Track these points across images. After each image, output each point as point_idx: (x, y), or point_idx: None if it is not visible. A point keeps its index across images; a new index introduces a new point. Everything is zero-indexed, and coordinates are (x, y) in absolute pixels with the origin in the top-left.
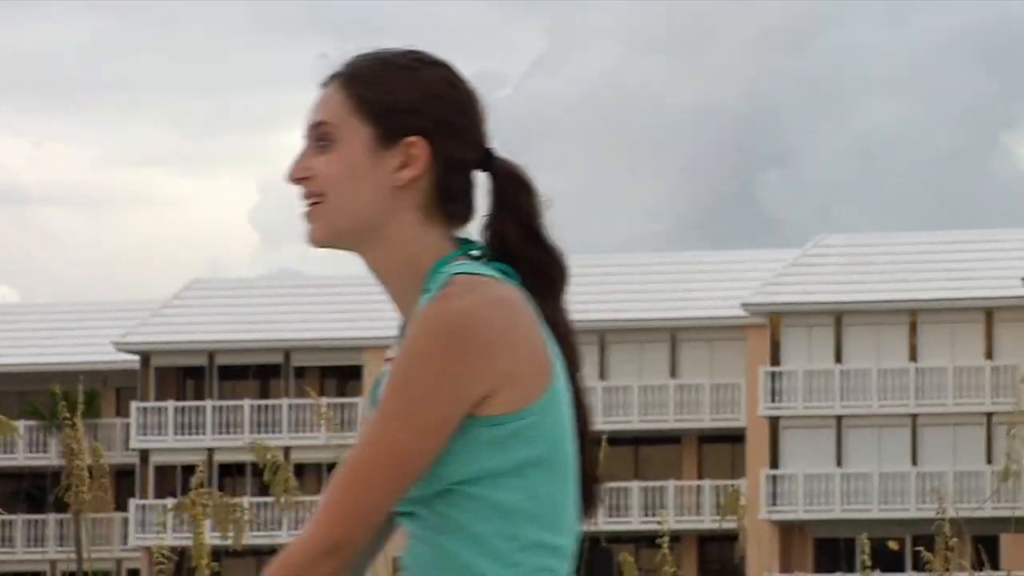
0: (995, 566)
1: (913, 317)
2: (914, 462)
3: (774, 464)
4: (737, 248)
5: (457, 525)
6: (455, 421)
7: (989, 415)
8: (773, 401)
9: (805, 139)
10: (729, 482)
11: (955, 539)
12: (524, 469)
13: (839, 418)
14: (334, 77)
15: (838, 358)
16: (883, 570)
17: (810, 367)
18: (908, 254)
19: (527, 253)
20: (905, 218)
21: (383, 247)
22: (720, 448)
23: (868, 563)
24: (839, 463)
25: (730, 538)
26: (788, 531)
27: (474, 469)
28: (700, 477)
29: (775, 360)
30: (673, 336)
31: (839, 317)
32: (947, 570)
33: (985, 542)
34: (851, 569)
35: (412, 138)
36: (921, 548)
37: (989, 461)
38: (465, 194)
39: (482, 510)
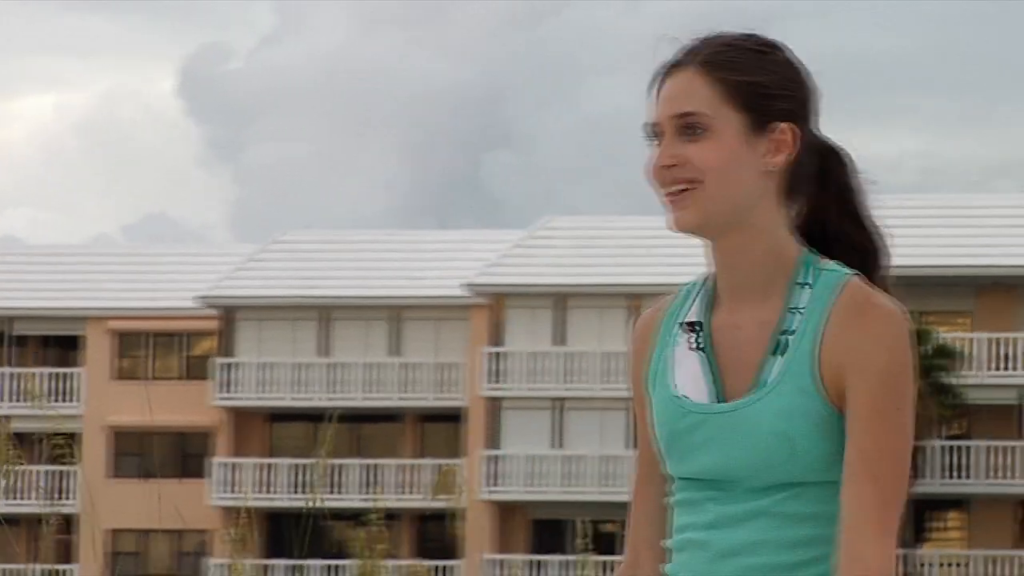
0: None
1: (636, 301)
2: (633, 445)
3: (493, 445)
4: (464, 228)
5: (815, 511)
6: None
7: None
8: (494, 382)
9: (534, 121)
10: (449, 461)
11: None
12: None
13: (560, 400)
14: (689, 63)
15: (560, 340)
16: (600, 552)
17: (532, 349)
18: (631, 238)
19: (847, 232)
20: (632, 202)
21: (749, 234)
22: (441, 427)
23: (585, 545)
24: (559, 445)
25: (448, 517)
26: (506, 512)
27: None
28: (420, 456)
29: (497, 341)
30: (396, 314)
31: (562, 299)
32: None
33: None
34: (568, 551)
35: (783, 124)
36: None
37: None
38: (807, 176)
39: (833, 496)
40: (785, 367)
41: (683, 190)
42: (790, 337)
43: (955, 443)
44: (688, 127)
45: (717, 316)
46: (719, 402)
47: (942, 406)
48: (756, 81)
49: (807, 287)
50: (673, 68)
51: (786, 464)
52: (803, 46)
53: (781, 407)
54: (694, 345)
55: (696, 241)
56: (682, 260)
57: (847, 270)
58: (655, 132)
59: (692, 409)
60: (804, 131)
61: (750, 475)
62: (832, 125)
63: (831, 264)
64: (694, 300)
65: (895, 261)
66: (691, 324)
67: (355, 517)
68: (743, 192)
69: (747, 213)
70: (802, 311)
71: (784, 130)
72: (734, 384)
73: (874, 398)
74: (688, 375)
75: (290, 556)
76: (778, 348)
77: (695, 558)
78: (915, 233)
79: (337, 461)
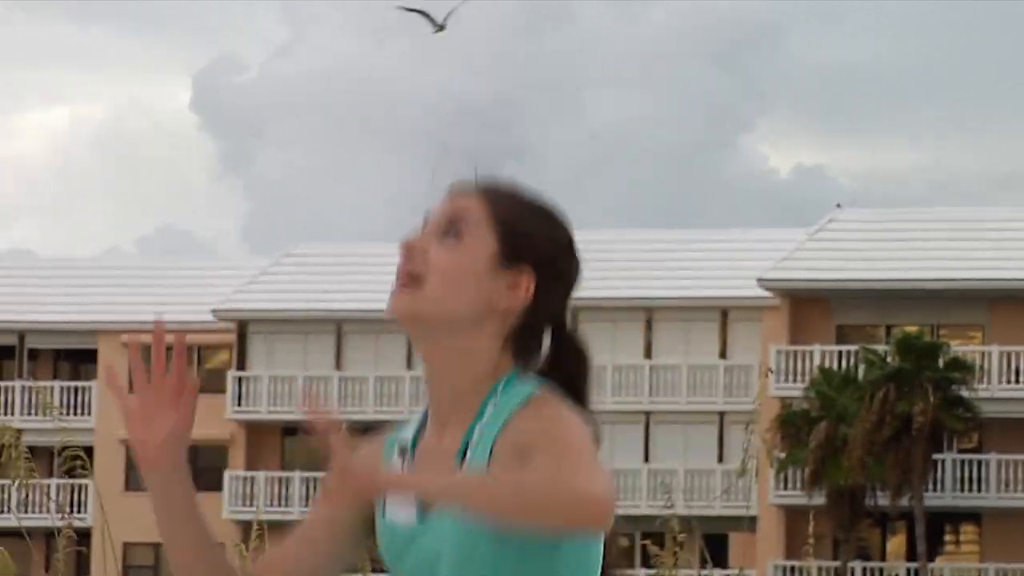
0: (723, 564)
1: (648, 314)
2: (646, 459)
3: None
4: None
5: None
6: None
7: (721, 414)
8: None
9: (542, 132)
10: None
11: (684, 536)
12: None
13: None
14: (477, 187)
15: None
16: (612, 566)
17: None
18: (643, 251)
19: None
20: (640, 215)
21: (457, 354)
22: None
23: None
24: None
25: None
26: None
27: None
28: None
29: None
30: (339, 328)
31: (575, 313)
32: (675, 566)
33: (714, 540)
34: None
35: (527, 268)
36: (647, 543)
37: (721, 460)
38: (537, 346)
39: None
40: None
41: (409, 282)
42: (469, 445)
43: (968, 456)
44: (447, 230)
45: (423, 440)
46: (421, 521)
47: (955, 419)
48: (522, 224)
49: (493, 401)
50: (463, 189)
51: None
52: (808, 59)
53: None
54: (403, 467)
55: (711, 254)
56: (694, 273)
57: (537, 385)
58: (424, 222)
59: (397, 531)
60: (545, 293)
61: None
62: (838, 139)
63: (527, 379)
64: (415, 424)
65: (909, 275)
66: (402, 448)
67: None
68: (463, 307)
69: (460, 332)
70: (484, 422)
71: (529, 276)
72: (433, 506)
73: (550, 454)
74: (398, 499)
75: None
76: (462, 460)
77: None
78: (926, 247)
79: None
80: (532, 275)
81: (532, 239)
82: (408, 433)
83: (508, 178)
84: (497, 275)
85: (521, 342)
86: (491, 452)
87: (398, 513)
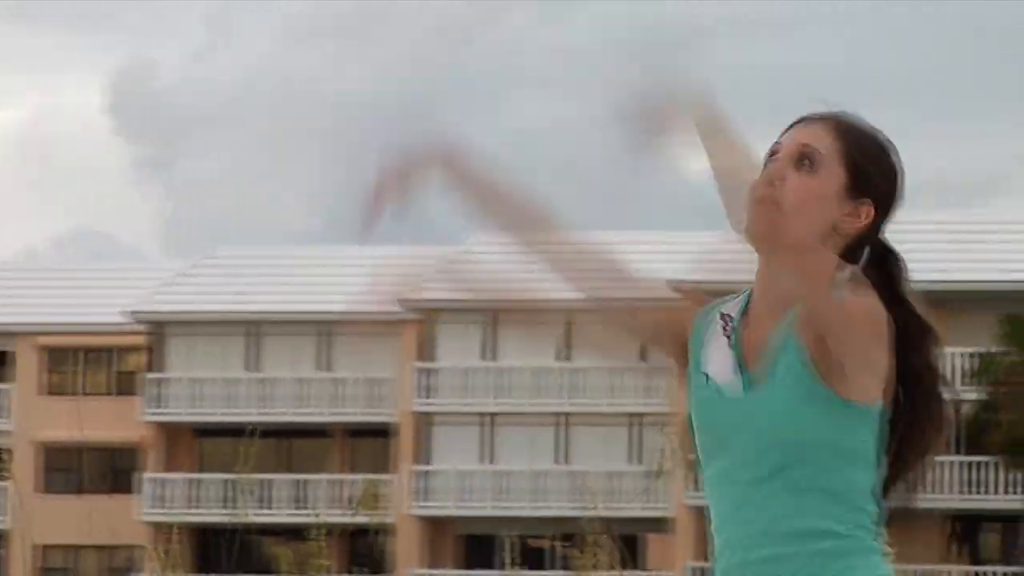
0: (640, 566)
1: (568, 317)
2: (563, 461)
3: (423, 460)
4: (393, 244)
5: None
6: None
7: (638, 415)
8: (423, 397)
9: (463, 136)
10: (379, 477)
11: (601, 538)
12: None
13: (489, 415)
14: (829, 121)
15: (490, 355)
16: (529, 568)
17: (461, 364)
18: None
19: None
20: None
21: (798, 267)
22: (370, 443)
23: (514, 560)
24: (489, 460)
25: (378, 533)
26: (436, 527)
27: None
28: (350, 471)
29: (426, 356)
30: (325, 330)
31: (492, 315)
32: (593, 568)
33: (630, 541)
34: (498, 567)
35: (870, 201)
36: (566, 545)
37: (637, 462)
38: (858, 258)
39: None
40: (790, 362)
41: (766, 203)
42: (792, 338)
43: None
44: (802, 157)
45: (747, 318)
46: (747, 390)
47: None
48: (868, 161)
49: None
50: (811, 118)
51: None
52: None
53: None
54: (727, 332)
55: (626, 256)
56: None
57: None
58: (771, 154)
59: (722, 392)
60: (878, 221)
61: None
62: (766, 142)
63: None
64: (730, 302)
65: None
66: (725, 316)
67: (284, 533)
68: (806, 234)
69: (805, 251)
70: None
71: (869, 207)
72: (752, 374)
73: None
74: (713, 356)
75: (219, 572)
76: (788, 346)
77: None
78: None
79: (266, 476)
80: (871, 207)
81: (875, 176)
82: (732, 306)
83: (853, 113)
84: (843, 204)
85: (848, 257)
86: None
87: (722, 375)
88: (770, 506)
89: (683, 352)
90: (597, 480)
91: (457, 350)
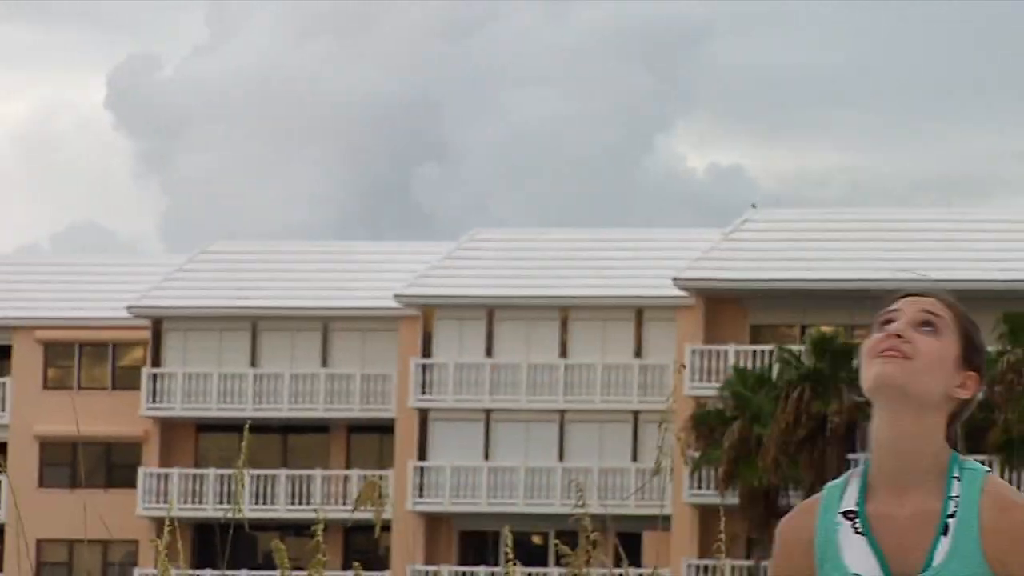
0: (636, 563)
1: (564, 313)
2: (560, 457)
3: (422, 456)
4: (394, 240)
5: None
6: None
7: (636, 413)
8: (423, 393)
9: (463, 132)
10: (378, 472)
11: (597, 534)
12: None
13: (488, 411)
14: (938, 295)
15: (489, 352)
16: (526, 564)
17: (461, 360)
18: (560, 250)
19: None
20: (559, 214)
21: (922, 427)
22: (369, 438)
23: (511, 556)
24: (487, 456)
25: (378, 528)
26: (434, 523)
27: None
28: (348, 467)
29: (426, 352)
30: (325, 325)
31: (491, 311)
32: (588, 564)
33: (628, 538)
34: (495, 562)
35: (974, 374)
36: (560, 542)
37: (635, 459)
38: (955, 433)
39: None
40: (952, 548)
41: (899, 356)
42: (950, 521)
43: None
44: (925, 323)
45: (872, 504)
46: None
47: (870, 419)
48: (974, 336)
49: (955, 480)
50: (920, 292)
51: None
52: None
53: None
54: (859, 529)
55: (619, 254)
56: (611, 272)
57: (984, 467)
58: (888, 319)
59: None
60: (978, 389)
61: None
62: (757, 140)
63: (971, 462)
64: (845, 490)
65: (825, 275)
66: (847, 512)
67: (284, 528)
68: (933, 389)
69: (928, 409)
70: (955, 499)
71: (976, 378)
72: (899, 566)
73: None
74: (856, 557)
75: (218, 566)
76: (945, 530)
77: None
78: (842, 247)
79: (265, 471)
80: (977, 378)
81: (980, 351)
82: (849, 499)
83: (951, 293)
84: (956, 372)
85: (951, 429)
86: (978, 532)
87: (864, 568)
88: None
89: None
90: (595, 477)
91: (456, 346)
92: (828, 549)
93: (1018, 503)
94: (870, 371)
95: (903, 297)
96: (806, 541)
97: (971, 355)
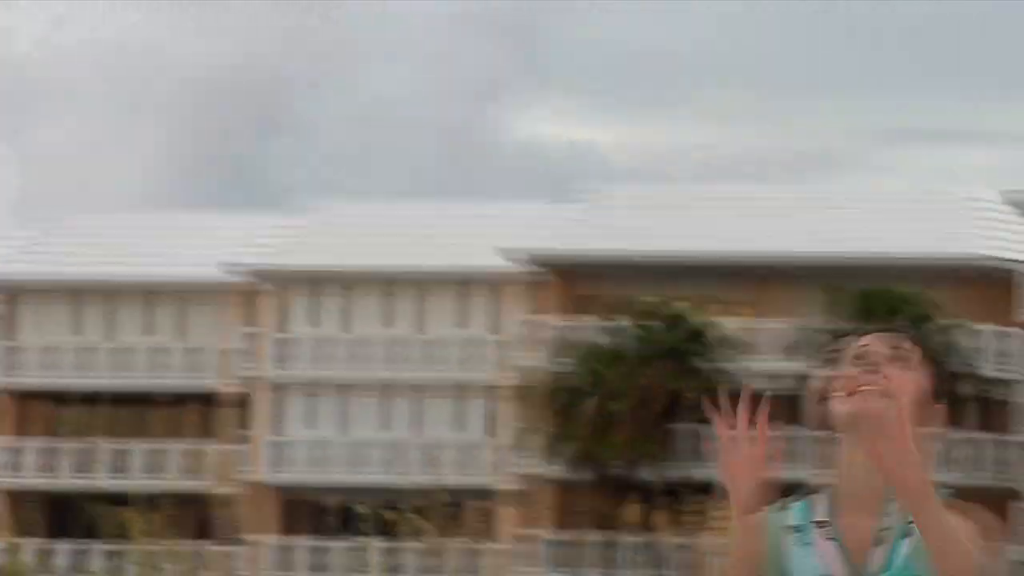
0: (490, 534)
1: (419, 286)
2: (416, 431)
3: (278, 429)
4: (240, 212)
5: None
6: None
7: (492, 387)
8: (278, 365)
9: (312, 104)
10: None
11: (452, 507)
12: None
13: (343, 385)
14: (903, 333)
15: (344, 325)
16: (382, 536)
17: (315, 333)
18: (410, 224)
19: None
20: (411, 188)
21: (896, 453)
22: (196, 410)
23: (367, 529)
24: (343, 429)
25: (226, 501)
26: (289, 495)
27: None
28: (200, 438)
29: (279, 325)
30: (150, 296)
31: (345, 284)
32: (443, 536)
33: (482, 511)
34: (352, 535)
35: (940, 407)
36: (416, 515)
37: (490, 433)
38: None
39: None
40: (912, 550)
41: (875, 390)
42: (911, 526)
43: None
44: (901, 357)
45: (842, 519)
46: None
47: (704, 391)
48: (942, 375)
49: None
50: (885, 330)
51: None
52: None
53: None
54: (829, 536)
55: (468, 227)
56: (464, 245)
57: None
58: (859, 354)
59: None
60: (938, 424)
61: None
62: (613, 116)
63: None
64: (814, 506)
65: (675, 249)
66: (820, 522)
67: (137, 500)
68: (912, 419)
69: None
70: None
71: (939, 411)
72: (864, 569)
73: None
74: (823, 561)
75: (72, 538)
76: (904, 534)
77: None
78: (692, 222)
79: (120, 443)
80: (943, 411)
81: (944, 386)
82: (804, 514)
83: (911, 334)
84: (927, 406)
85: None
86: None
87: (832, 567)
88: None
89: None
90: (450, 450)
91: (309, 319)
92: (776, 551)
93: (963, 516)
94: (847, 406)
95: (866, 334)
96: (762, 543)
97: (938, 391)
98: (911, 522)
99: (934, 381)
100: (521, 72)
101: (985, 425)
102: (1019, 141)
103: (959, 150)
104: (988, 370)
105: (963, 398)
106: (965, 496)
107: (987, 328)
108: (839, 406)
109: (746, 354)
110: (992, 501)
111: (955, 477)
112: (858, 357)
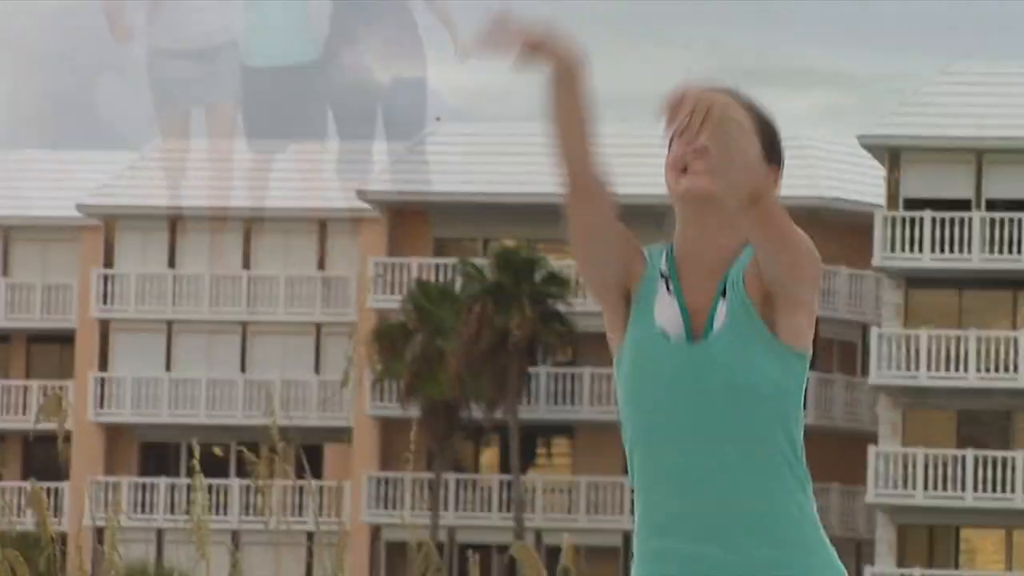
0: (318, 475)
1: (248, 225)
2: (243, 369)
3: (103, 367)
4: (76, 149)
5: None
6: None
7: (319, 325)
8: (105, 303)
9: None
10: (58, 383)
11: (281, 446)
12: None
13: (170, 323)
14: (728, 92)
15: (171, 263)
16: (209, 475)
17: (143, 271)
18: (244, 164)
19: None
20: (244, 127)
21: (729, 225)
22: (49, 349)
23: (196, 468)
24: (168, 368)
25: (56, 440)
26: (115, 434)
27: None
28: (28, 377)
29: (108, 263)
30: (6, 235)
31: (174, 222)
32: (271, 476)
33: (311, 451)
34: (177, 473)
35: (775, 167)
36: (246, 454)
37: (318, 372)
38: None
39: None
40: (729, 307)
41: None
42: (727, 284)
43: (562, 371)
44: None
45: (680, 277)
46: (690, 338)
47: (551, 334)
48: (774, 133)
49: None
50: (717, 88)
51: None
52: None
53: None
54: (671, 290)
55: (305, 166)
56: (295, 185)
57: None
58: (682, 132)
59: (670, 340)
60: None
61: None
62: (443, 54)
63: None
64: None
65: (507, 189)
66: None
67: None
68: (744, 193)
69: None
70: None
71: (775, 171)
72: (695, 329)
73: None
74: (664, 314)
75: None
76: (724, 293)
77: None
78: (524, 161)
79: None
80: (779, 171)
81: (778, 144)
82: (658, 261)
83: (730, 86)
84: (763, 168)
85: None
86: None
87: (670, 324)
88: (729, 478)
89: (615, 291)
90: (278, 389)
91: (138, 256)
92: (647, 287)
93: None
94: (680, 184)
95: (688, 93)
96: (641, 265)
97: (772, 151)
98: (743, 287)
99: (769, 143)
100: (346, 7)
101: (838, 367)
102: (875, 84)
103: (815, 93)
104: (842, 313)
105: (816, 340)
106: (817, 436)
107: (841, 270)
108: (672, 186)
109: (573, 293)
110: (844, 443)
111: (807, 418)
112: (682, 131)
